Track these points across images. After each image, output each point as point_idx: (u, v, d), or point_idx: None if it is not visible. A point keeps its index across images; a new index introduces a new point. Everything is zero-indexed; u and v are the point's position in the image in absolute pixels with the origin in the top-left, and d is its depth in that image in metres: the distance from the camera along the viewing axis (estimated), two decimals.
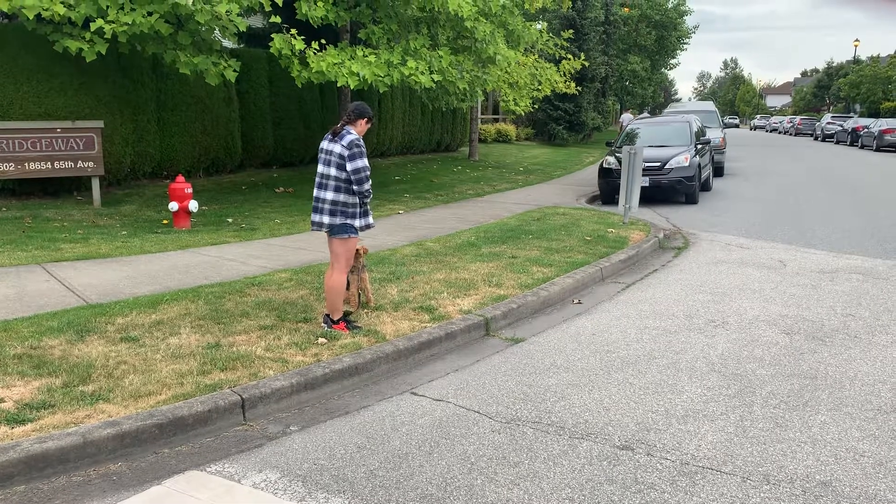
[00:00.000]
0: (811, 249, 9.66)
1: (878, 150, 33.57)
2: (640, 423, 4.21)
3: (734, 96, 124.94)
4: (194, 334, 5.30)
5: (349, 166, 5.23)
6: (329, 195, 5.32)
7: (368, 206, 5.53)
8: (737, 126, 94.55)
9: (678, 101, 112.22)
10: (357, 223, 5.42)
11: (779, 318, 6.35)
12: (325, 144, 5.41)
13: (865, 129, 36.58)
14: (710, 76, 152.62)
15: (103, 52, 9.78)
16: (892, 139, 32.71)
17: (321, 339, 5.32)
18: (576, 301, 7.17)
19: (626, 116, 32.00)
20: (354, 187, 5.28)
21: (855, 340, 5.75)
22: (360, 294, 6.17)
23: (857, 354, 5.41)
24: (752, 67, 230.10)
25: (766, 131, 68.59)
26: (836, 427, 4.14)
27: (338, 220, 5.33)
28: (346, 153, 5.24)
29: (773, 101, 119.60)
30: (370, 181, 5.37)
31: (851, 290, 7.41)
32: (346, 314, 5.72)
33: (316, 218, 5.42)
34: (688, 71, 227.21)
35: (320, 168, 5.39)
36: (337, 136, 5.32)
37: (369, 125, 5.55)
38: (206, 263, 7.72)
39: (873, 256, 9.15)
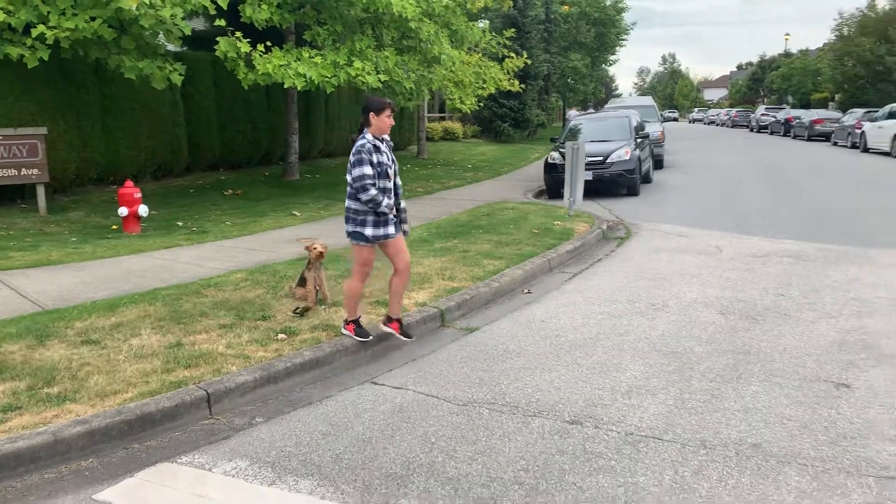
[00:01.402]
0: (746, 235, 10.16)
1: (809, 139, 34.94)
2: (588, 400, 4.49)
3: (673, 90, 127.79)
4: (155, 335, 5.40)
5: (349, 174, 5.13)
6: (347, 202, 5.27)
7: (390, 216, 5.25)
8: (676, 120, 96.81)
9: (619, 96, 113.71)
10: (368, 232, 5.20)
11: (715, 300, 6.75)
12: None
13: (797, 120, 38.03)
14: (650, 71, 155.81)
15: (45, 59, 9.70)
16: (821, 129, 34.06)
17: (281, 335, 5.47)
18: (526, 291, 7.45)
19: (573, 113, 32.65)
20: (358, 195, 5.10)
21: (785, 318, 6.16)
22: (316, 291, 6.33)
23: (786, 330, 5.81)
24: (689, 62, 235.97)
25: (705, 124, 70.50)
26: (766, 396, 4.50)
27: (350, 228, 5.26)
28: (351, 159, 5.13)
29: (710, 95, 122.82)
30: (375, 190, 5.07)
31: (782, 272, 7.88)
32: (352, 319, 5.50)
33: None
34: (628, 67, 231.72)
35: (347, 176, 5.24)
36: (354, 143, 5.19)
37: (386, 114, 5.18)
38: (161, 267, 7.77)
39: (803, 240, 9.69)
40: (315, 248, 6.31)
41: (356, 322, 5.46)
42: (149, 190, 13.00)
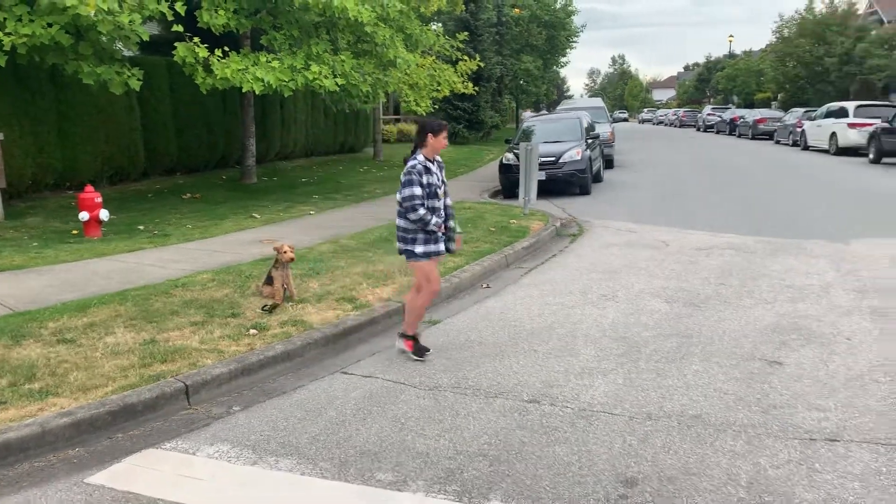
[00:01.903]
0: (691, 230, 10.68)
1: (753, 138, 36.13)
2: (545, 382, 4.85)
3: (623, 91, 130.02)
4: (129, 333, 5.59)
5: (400, 194, 5.22)
6: (397, 221, 5.39)
7: (439, 234, 5.32)
8: (626, 120, 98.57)
9: (571, 97, 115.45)
10: (418, 249, 5.27)
11: (661, 290, 7.19)
12: None
13: (741, 120, 39.28)
14: (600, 72, 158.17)
15: (2, 65, 9.68)
16: (765, 128, 35.27)
17: (252, 331, 5.71)
18: (485, 285, 7.80)
19: (527, 114, 33.23)
20: (407, 215, 5.21)
21: (725, 304, 6.62)
22: (284, 289, 6.57)
23: (726, 315, 6.27)
24: (639, 63, 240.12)
25: (654, 124, 72.03)
26: (706, 374, 4.91)
27: (401, 246, 5.37)
28: (402, 179, 5.22)
29: (659, 95, 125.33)
30: (424, 209, 5.14)
31: (724, 263, 8.38)
32: (410, 335, 5.51)
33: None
34: (579, 68, 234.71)
35: (397, 195, 5.36)
36: (405, 163, 5.32)
37: (443, 136, 5.34)
38: (126, 269, 7.90)
39: (744, 234, 10.24)
40: (286, 253, 6.54)
41: (415, 338, 5.49)
42: (106, 195, 12.94)
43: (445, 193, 5.46)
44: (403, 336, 5.51)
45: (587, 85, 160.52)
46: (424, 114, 22.16)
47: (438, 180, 5.33)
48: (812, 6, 43.16)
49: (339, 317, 6.13)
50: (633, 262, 8.61)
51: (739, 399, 4.46)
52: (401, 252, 5.40)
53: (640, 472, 3.58)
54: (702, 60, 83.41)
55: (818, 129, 26.47)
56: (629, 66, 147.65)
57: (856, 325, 5.88)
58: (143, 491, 3.55)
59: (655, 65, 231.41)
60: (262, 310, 6.27)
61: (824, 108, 27.38)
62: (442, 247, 5.38)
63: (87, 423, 4.17)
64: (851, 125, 23.93)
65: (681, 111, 62.60)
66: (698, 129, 50.52)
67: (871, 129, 22.07)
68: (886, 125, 20.97)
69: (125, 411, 4.34)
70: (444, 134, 5.36)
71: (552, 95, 61.51)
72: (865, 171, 19.38)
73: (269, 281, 6.59)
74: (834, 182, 16.69)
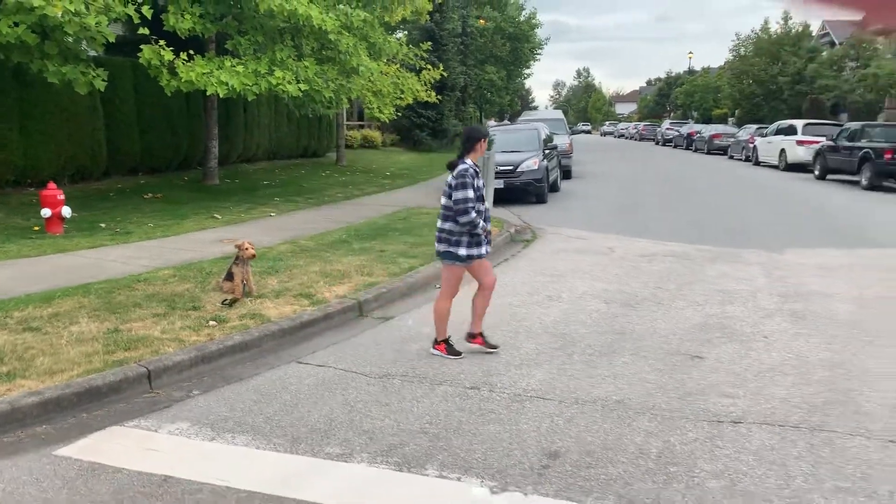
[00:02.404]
0: (638, 238, 11.21)
1: (708, 152, 37.24)
2: (486, 371, 5.24)
3: (587, 104, 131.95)
4: (93, 322, 5.84)
5: (453, 196, 5.40)
6: (440, 223, 5.56)
7: (483, 237, 5.51)
8: (589, 132, 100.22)
9: (535, 108, 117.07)
10: (462, 252, 5.45)
11: (602, 292, 7.65)
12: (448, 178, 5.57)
13: (698, 134, 40.43)
14: (565, 85, 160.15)
15: None
16: (720, 143, 36.38)
17: (212, 322, 6.00)
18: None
19: (492, 123, 33.78)
20: (457, 217, 5.38)
21: (659, 306, 7.10)
22: (243, 284, 6.87)
23: (658, 315, 6.74)
24: (603, 76, 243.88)
25: (615, 137, 73.43)
26: (633, 365, 5.35)
27: (443, 248, 5.53)
28: (453, 183, 5.41)
29: (621, 109, 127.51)
30: (475, 213, 5.35)
31: (664, 269, 8.89)
32: (447, 341, 5.69)
33: (435, 245, 5.69)
34: (545, 80, 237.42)
35: (442, 199, 5.60)
36: (451, 168, 5.53)
37: (485, 143, 5.64)
38: (89, 264, 8.11)
39: (687, 243, 10.79)
40: (247, 250, 6.84)
41: (447, 342, 5.66)
42: (67, 193, 12.97)
43: (484, 197, 5.64)
44: (435, 343, 5.69)
45: (552, 96, 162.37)
46: (388, 120, 22.57)
47: (482, 184, 5.58)
48: (767, 27, 44.61)
49: (296, 311, 6.45)
50: (580, 266, 9.07)
51: (660, 387, 4.90)
52: (441, 253, 5.58)
53: (563, 447, 3.99)
54: (663, 76, 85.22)
55: (769, 146, 27.49)
56: (593, 79, 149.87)
57: (775, 325, 6.39)
58: (108, 462, 3.84)
59: (619, 78, 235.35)
60: (222, 304, 6.56)
61: (775, 126, 28.42)
62: (483, 250, 5.56)
63: (54, 403, 4.44)
64: (800, 142, 24.93)
65: (641, 125, 63.99)
66: (657, 143, 51.77)
67: (817, 146, 23.07)
68: (831, 144, 21.95)
69: (90, 393, 4.61)
70: (487, 140, 5.72)
71: (516, 106, 62.32)
72: (810, 186, 20.28)
73: (230, 277, 6.88)
74: (779, 196, 17.48)
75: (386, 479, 3.66)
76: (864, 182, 19.44)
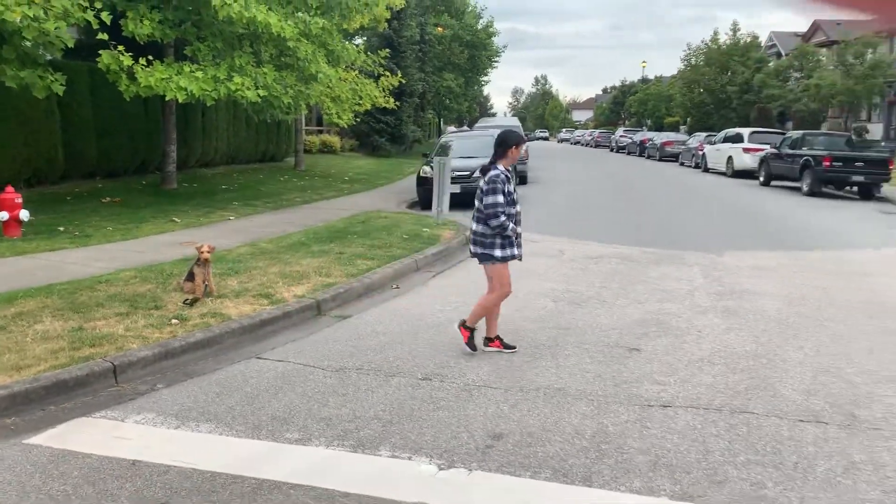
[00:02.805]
0: (587, 241, 11.67)
1: (660, 159, 38.21)
2: (437, 364, 5.57)
3: (544, 111, 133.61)
4: (57, 321, 6.01)
5: (484, 200, 5.64)
6: (474, 226, 5.83)
7: (514, 239, 5.77)
8: (546, 139, 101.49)
9: (493, 115, 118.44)
10: (497, 253, 5.71)
11: (550, 291, 8.04)
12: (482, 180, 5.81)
13: (650, 142, 41.45)
14: (524, 92, 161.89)
15: None
16: (671, 150, 37.39)
17: (174, 321, 6.21)
18: (394, 286, 8.48)
19: (450, 129, 34.22)
20: (487, 221, 5.64)
21: (603, 304, 7.52)
22: (205, 285, 7.08)
23: (601, 312, 7.15)
24: (561, 84, 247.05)
25: (571, 144, 74.57)
26: (575, 357, 5.73)
27: (479, 250, 5.79)
28: (485, 188, 5.67)
29: (578, 116, 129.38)
30: (504, 216, 5.58)
31: (610, 269, 9.33)
32: (469, 327, 5.91)
33: (469, 247, 6.01)
34: (504, 86, 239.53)
35: (476, 203, 5.85)
36: (484, 173, 5.79)
37: (522, 147, 5.89)
38: (49, 266, 8.22)
39: (632, 245, 11.28)
40: (204, 252, 7.05)
41: (472, 332, 5.88)
42: (25, 197, 12.93)
43: (516, 201, 5.87)
44: (463, 325, 5.91)
45: (510, 103, 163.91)
46: (346, 126, 22.80)
47: (514, 188, 5.81)
48: (717, 37, 45.96)
49: (256, 310, 6.69)
50: (531, 267, 9.44)
51: (598, 376, 5.29)
52: (476, 255, 5.86)
53: (506, 430, 4.33)
54: (618, 84, 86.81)
55: (717, 153, 28.42)
56: (551, 86, 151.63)
57: (708, 321, 6.85)
58: (78, 448, 4.06)
59: (576, 86, 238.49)
60: (184, 303, 6.76)
61: (722, 134, 29.40)
62: (517, 251, 5.82)
63: (23, 396, 4.63)
64: (746, 150, 25.85)
65: (596, 132, 65.15)
66: (612, 150, 52.80)
67: (762, 154, 23.98)
68: (775, 151, 22.86)
69: (57, 387, 4.81)
70: (524, 146, 5.93)
71: (475, 112, 62.97)
72: (755, 192, 21.11)
73: (191, 277, 7.08)
74: (724, 202, 18.19)
75: (342, 460, 3.96)
76: (804, 188, 20.33)
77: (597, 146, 60.78)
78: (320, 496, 3.55)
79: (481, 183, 5.72)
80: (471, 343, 5.86)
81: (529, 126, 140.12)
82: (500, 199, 5.57)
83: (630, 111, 70.39)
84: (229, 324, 6.24)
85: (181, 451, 4.05)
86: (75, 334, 5.69)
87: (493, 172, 5.68)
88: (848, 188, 20.61)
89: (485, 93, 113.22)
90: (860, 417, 4.55)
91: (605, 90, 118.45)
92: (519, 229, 5.85)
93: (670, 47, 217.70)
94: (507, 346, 5.92)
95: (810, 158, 20.17)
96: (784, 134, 26.00)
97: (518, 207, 5.89)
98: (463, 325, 5.91)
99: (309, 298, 7.19)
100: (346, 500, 3.52)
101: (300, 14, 13.68)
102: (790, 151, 21.75)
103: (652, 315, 7.04)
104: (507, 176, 5.73)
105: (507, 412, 4.60)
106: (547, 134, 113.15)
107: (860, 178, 19.66)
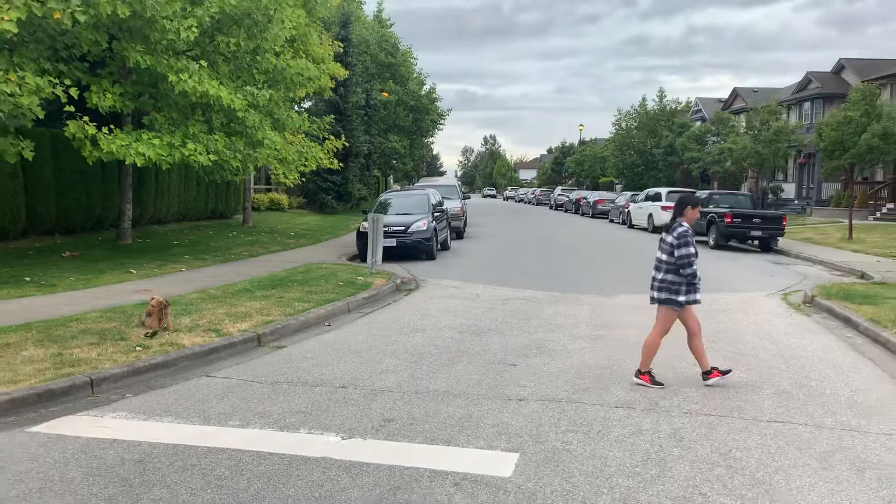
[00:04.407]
0: (502, 287, 13.29)
1: (593, 216, 40.65)
2: (353, 377, 7.01)
3: (492, 170, 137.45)
4: (39, 349, 7.28)
5: (676, 253, 6.56)
6: (659, 275, 6.72)
7: (696, 285, 6.63)
8: (494, 196, 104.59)
9: (443, 173, 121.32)
10: (681, 298, 6.60)
11: (459, 325, 9.58)
12: (663, 235, 6.85)
13: (584, 200, 43.98)
14: (473, 150, 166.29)
15: None
16: (602, 208, 39.88)
17: (138, 348, 7.53)
18: (327, 324, 9.89)
19: (396, 187, 35.99)
20: (680, 270, 6.56)
21: (499, 334, 9.07)
22: (161, 321, 8.40)
23: (496, 340, 8.70)
24: (509, 143, 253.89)
25: (516, 201, 77.47)
26: (464, 371, 7.23)
27: (664, 296, 6.69)
28: (675, 243, 6.57)
29: (525, 174, 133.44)
30: (694, 266, 6.53)
31: (514, 309, 10.92)
32: (645, 371, 6.78)
33: (650, 293, 6.89)
34: (455, 145, 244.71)
35: (657, 254, 6.82)
36: (669, 230, 6.71)
37: (699, 209, 6.80)
38: (23, 309, 9.42)
39: (541, 290, 12.94)
40: (154, 306, 8.35)
41: (649, 373, 6.76)
42: None
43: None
44: (639, 373, 6.77)
45: (460, 161, 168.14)
46: (292, 185, 24.27)
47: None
48: (644, 103, 49.29)
49: (206, 341, 8.04)
50: (448, 308, 11.01)
51: (477, 383, 6.80)
52: (659, 300, 6.75)
53: (397, 416, 5.79)
54: (559, 145, 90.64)
55: (640, 211, 30.75)
56: (499, 146, 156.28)
57: (579, 345, 8.46)
58: (69, 433, 5.37)
59: (523, 146, 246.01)
60: (145, 336, 8.07)
61: (644, 193, 31.81)
62: (698, 296, 6.68)
63: (20, 401, 5.91)
64: (664, 208, 28.10)
65: (538, 191, 68.06)
66: (551, 208, 55.41)
67: None
68: None
69: (47, 394, 6.10)
70: (699, 207, 6.87)
71: (422, 171, 65.25)
72: None
73: (149, 315, 8.41)
74: (637, 254, 20.14)
75: (271, 435, 5.36)
76: (711, 242, 22.50)
77: (538, 203, 63.53)
78: (255, 455, 4.94)
79: (668, 238, 6.69)
80: (654, 381, 6.72)
81: (478, 184, 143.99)
82: (692, 250, 6.55)
83: (568, 171, 73.70)
84: (184, 350, 7.59)
85: (149, 432, 5.40)
86: (56, 358, 6.97)
87: (681, 229, 6.61)
88: (750, 242, 22.83)
89: (434, 151, 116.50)
90: (660, 405, 6.16)
91: (549, 150, 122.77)
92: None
93: (615, 109, 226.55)
94: (655, 382, 6.71)
95: (715, 215, 22.40)
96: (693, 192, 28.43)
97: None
98: (639, 373, 6.80)
99: (251, 332, 8.57)
100: (271, 457, 4.92)
101: (248, 87, 15.27)
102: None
103: (536, 341, 8.62)
104: (692, 231, 6.70)
105: (400, 406, 6.06)
106: (494, 192, 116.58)
107: (758, 233, 21.92)
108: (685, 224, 6.68)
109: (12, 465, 4.77)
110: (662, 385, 6.69)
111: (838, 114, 25.68)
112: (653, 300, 6.87)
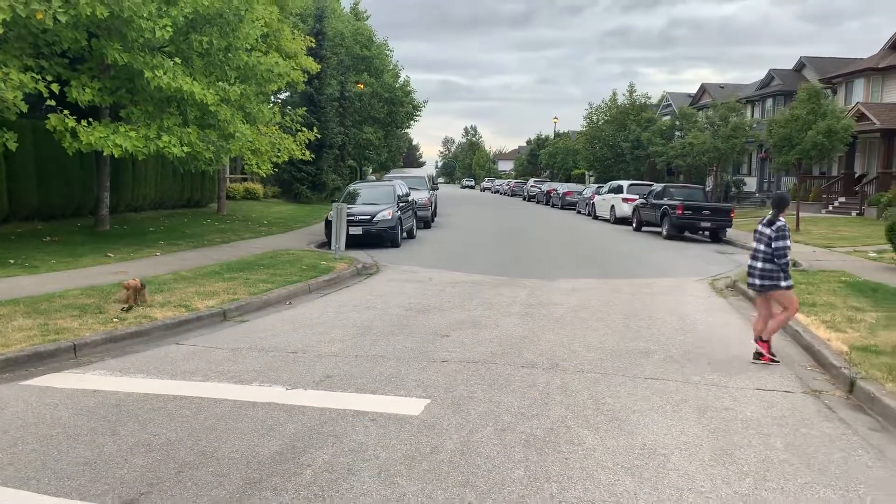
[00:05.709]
0: (455, 272, 14.39)
1: (562, 207, 41.92)
2: (304, 344, 8.08)
3: (472, 161, 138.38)
4: (27, 320, 8.27)
5: (774, 245, 7.45)
6: (759, 265, 7.62)
7: (788, 272, 7.55)
8: (472, 187, 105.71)
9: (423, 164, 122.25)
10: (783, 283, 7.51)
11: (407, 304, 10.66)
12: (759, 227, 7.72)
13: (554, 192, 45.22)
14: (454, 141, 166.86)
15: None
16: (570, 199, 41.18)
17: (115, 320, 8.54)
18: (288, 303, 10.93)
19: (372, 178, 36.95)
20: (776, 259, 7.44)
21: (441, 312, 10.17)
22: (136, 297, 9.40)
23: (437, 317, 9.79)
24: (489, 134, 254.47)
25: (492, 192, 78.73)
26: (403, 341, 8.31)
27: (767, 283, 7.56)
28: (773, 235, 7.46)
29: (504, 166, 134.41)
30: (788, 257, 7.47)
31: (461, 291, 12.02)
32: (766, 340, 7.63)
33: (750, 280, 7.82)
34: (435, 135, 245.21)
35: (754, 244, 7.72)
36: (770, 224, 7.57)
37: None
38: (10, 287, 10.37)
39: (489, 275, 14.05)
40: (130, 285, 9.35)
41: (769, 343, 7.65)
42: None
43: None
44: (760, 339, 7.65)
45: (442, 152, 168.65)
46: (266, 175, 25.17)
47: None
48: (615, 97, 50.54)
49: (177, 315, 9.06)
50: (400, 289, 12.09)
51: (411, 350, 7.89)
52: (761, 287, 7.64)
53: (336, 373, 6.87)
54: (534, 137, 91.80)
55: (603, 202, 32.00)
56: (480, 137, 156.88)
57: (508, 320, 9.58)
58: (58, 386, 6.39)
59: (503, 137, 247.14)
60: (121, 310, 9.07)
61: (607, 186, 33.06)
62: (791, 282, 7.63)
63: (13, 361, 6.92)
64: (624, 199, 29.42)
65: (512, 182, 69.28)
66: (524, 199, 56.66)
67: (635, 203, 27.51)
68: (644, 201, 26.38)
69: (36, 356, 7.11)
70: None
71: (399, 162, 66.16)
72: (626, 236, 24.44)
73: (126, 291, 9.41)
74: (594, 243, 21.36)
75: (227, 387, 6.42)
76: (664, 233, 23.76)
77: (512, 195, 64.79)
78: (212, 401, 6.00)
79: (766, 230, 7.59)
80: (770, 351, 7.64)
81: (458, 174, 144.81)
82: (789, 243, 7.50)
83: (542, 163, 74.97)
84: (156, 322, 8.61)
85: (125, 385, 6.45)
86: (43, 327, 7.97)
87: (779, 223, 7.53)
88: (700, 232, 24.11)
89: (414, 142, 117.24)
90: (560, 365, 7.30)
91: (528, 142, 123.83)
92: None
93: (596, 100, 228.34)
94: (772, 358, 7.60)
95: (667, 207, 23.65)
96: (650, 185, 29.70)
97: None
98: (760, 339, 7.67)
99: (217, 308, 9.61)
100: (226, 402, 5.98)
101: (221, 83, 16.20)
102: (654, 201, 25.24)
103: (471, 318, 9.73)
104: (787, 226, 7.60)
105: (341, 366, 7.15)
106: (472, 182, 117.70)
107: (707, 224, 23.19)
108: (782, 220, 7.59)
109: (11, 408, 5.80)
110: (778, 362, 7.58)
111: (787, 111, 27.02)
112: (754, 287, 7.81)
